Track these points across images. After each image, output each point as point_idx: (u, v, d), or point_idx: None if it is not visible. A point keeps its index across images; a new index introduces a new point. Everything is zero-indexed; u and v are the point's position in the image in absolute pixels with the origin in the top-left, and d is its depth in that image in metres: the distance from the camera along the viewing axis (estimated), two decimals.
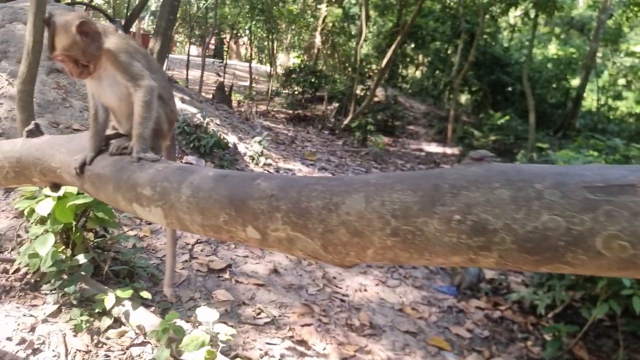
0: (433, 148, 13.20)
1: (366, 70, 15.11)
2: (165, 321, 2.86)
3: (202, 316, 2.76)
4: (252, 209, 0.94)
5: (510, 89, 16.15)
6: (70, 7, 8.66)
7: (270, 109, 14.10)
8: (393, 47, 12.79)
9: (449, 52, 18.26)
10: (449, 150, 13.12)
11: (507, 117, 12.43)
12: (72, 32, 1.23)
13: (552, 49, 21.65)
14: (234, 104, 12.70)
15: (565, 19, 18.04)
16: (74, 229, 3.19)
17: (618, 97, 21.04)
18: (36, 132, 1.57)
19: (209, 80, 14.36)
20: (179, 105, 7.31)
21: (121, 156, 1.30)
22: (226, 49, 18.03)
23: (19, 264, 3.13)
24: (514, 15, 18.16)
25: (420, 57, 20.19)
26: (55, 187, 1.59)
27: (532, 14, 13.67)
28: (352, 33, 18.02)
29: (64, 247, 3.25)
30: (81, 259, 3.16)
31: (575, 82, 18.93)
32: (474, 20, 15.44)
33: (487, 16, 14.71)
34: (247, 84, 16.57)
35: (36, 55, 4.04)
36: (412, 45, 17.98)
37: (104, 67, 1.30)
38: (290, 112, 13.97)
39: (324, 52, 18.35)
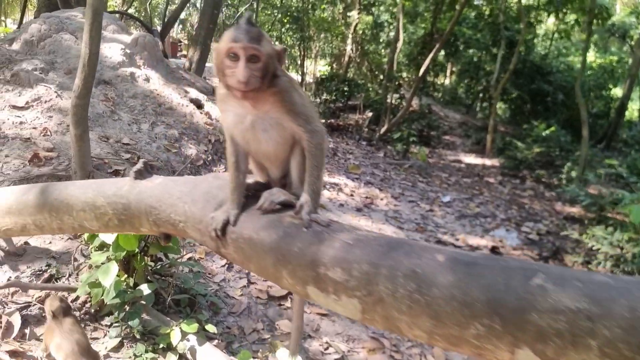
0: (472, 159, 12.77)
1: (398, 78, 14.80)
2: None
3: None
4: (535, 326, 0.64)
5: (549, 98, 15.56)
6: (109, 14, 8.62)
7: None
8: (431, 55, 12.42)
9: (482, 59, 17.79)
10: (488, 162, 12.66)
11: (553, 128, 11.91)
12: (274, 49, 1.09)
13: (591, 57, 20.92)
14: None
15: (605, 26, 17.37)
16: (138, 256, 2.97)
17: None
18: (145, 172, 1.31)
19: None
20: None
21: (275, 214, 1.02)
22: None
23: (80, 293, 2.92)
24: (554, 22, 17.60)
25: (450, 64, 19.77)
26: (167, 238, 1.33)
27: (584, 21, 13.12)
28: (381, 40, 17.74)
29: (126, 275, 3.03)
30: (145, 289, 2.94)
31: (617, 91, 18.21)
32: (513, 27, 14.97)
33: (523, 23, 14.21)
34: None
35: (92, 68, 3.85)
36: (444, 53, 17.57)
37: (267, 106, 1.04)
38: (323, 121, 13.74)
39: (355, 60, 18.10)
